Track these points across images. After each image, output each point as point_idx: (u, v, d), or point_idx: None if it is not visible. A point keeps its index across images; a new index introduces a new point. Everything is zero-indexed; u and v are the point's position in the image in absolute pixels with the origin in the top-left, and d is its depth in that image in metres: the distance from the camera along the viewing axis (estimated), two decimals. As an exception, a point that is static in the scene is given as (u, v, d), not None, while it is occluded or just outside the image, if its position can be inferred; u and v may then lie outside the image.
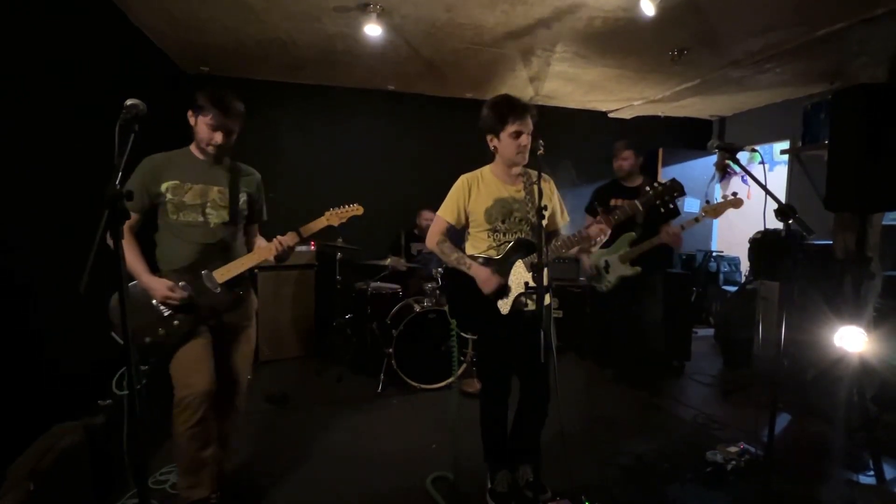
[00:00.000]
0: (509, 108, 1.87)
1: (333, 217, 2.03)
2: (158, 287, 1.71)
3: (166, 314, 1.75)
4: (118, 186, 1.09)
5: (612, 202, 3.14)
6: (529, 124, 1.89)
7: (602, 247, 3.10)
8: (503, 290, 1.93)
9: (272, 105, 4.30)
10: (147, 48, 3.33)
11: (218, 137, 1.80)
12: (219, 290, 1.83)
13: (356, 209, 2.08)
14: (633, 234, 3.05)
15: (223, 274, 1.83)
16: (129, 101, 1.21)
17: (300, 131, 4.42)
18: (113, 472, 2.03)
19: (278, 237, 1.90)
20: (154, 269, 1.76)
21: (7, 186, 1.89)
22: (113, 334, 1.75)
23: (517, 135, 1.87)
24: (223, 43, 3.36)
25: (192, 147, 1.85)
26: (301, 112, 4.41)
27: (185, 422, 1.74)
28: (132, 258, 1.71)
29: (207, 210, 1.82)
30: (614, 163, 3.29)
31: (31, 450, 1.70)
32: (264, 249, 1.91)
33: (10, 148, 1.90)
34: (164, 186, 1.76)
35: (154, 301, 1.73)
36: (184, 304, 1.74)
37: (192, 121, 1.80)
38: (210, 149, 1.81)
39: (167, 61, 3.67)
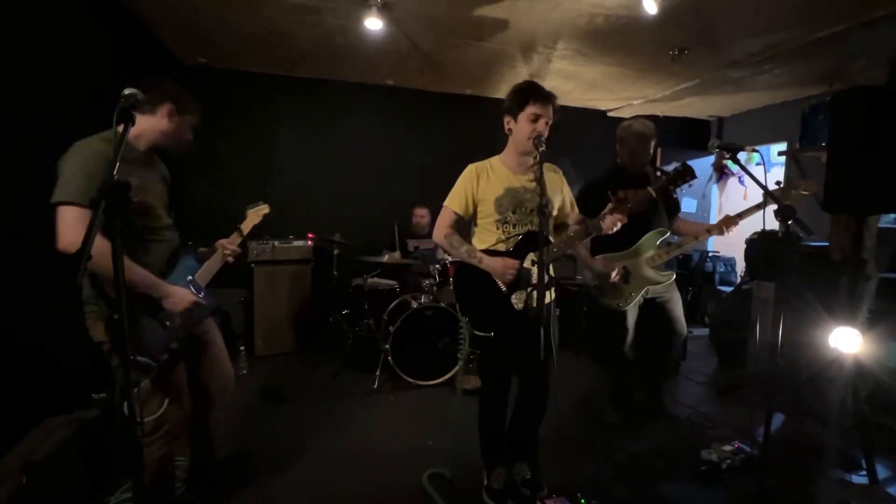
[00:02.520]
0: (532, 91, 1.84)
1: (254, 216, 2.01)
2: (183, 297, 1.59)
3: (174, 324, 1.60)
4: (115, 177, 1.07)
5: (622, 194, 2.39)
6: (550, 112, 1.85)
7: (612, 250, 2.54)
8: (519, 282, 1.88)
9: (270, 98, 4.27)
10: (144, 38, 3.29)
11: (191, 136, 1.74)
12: (203, 294, 1.73)
13: (264, 208, 2.07)
14: (665, 229, 2.50)
15: (204, 277, 1.74)
16: (126, 91, 1.19)
17: (298, 125, 4.39)
18: (107, 466, 2.01)
19: (224, 242, 1.87)
20: (97, 289, 1.52)
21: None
22: (138, 358, 1.52)
23: (535, 118, 1.83)
24: (221, 34, 3.33)
25: (133, 138, 1.60)
26: (299, 105, 4.37)
27: (160, 448, 1.66)
28: (135, 267, 1.50)
29: (160, 211, 1.68)
30: (624, 154, 2.62)
31: (24, 443, 1.68)
32: (222, 253, 1.87)
33: (3, 142, 1.88)
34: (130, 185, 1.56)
35: (162, 314, 1.59)
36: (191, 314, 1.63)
37: (169, 119, 1.63)
38: (182, 149, 1.71)
39: (164, 52, 3.63)
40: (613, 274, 2.47)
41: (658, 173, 1.79)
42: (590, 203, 2.36)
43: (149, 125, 1.62)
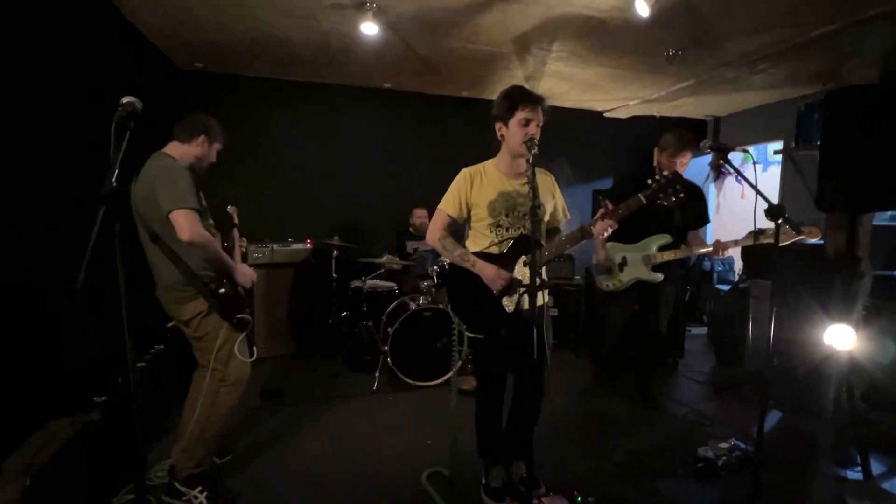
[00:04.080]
0: (521, 96, 1.86)
1: (234, 214, 2.41)
2: (249, 272, 2.11)
3: (245, 293, 2.11)
4: (114, 184, 1.09)
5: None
6: (540, 115, 1.87)
7: (622, 241, 2.86)
8: (511, 287, 1.91)
9: (267, 102, 4.29)
10: (141, 44, 3.31)
11: (215, 160, 2.17)
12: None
13: (235, 209, 2.42)
14: (669, 236, 2.77)
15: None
16: (125, 99, 1.21)
17: (295, 129, 4.41)
18: (109, 468, 2.03)
19: (238, 236, 2.31)
20: (189, 275, 1.94)
21: (1, 185, 1.89)
22: (243, 316, 2.07)
23: (526, 122, 1.84)
24: (218, 39, 3.35)
25: (180, 158, 2.00)
26: (296, 109, 4.40)
27: (234, 398, 2.08)
28: (222, 251, 1.98)
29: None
30: (665, 161, 2.74)
31: (27, 445, 1.70)
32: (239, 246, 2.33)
33: (3, 146, 1.90)
34: (200, 195, 1.98)
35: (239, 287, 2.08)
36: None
37: (202, 147, 2.05)
38: (203, 170, 2.10)
39: (161, 57, 3.65)
40: (594, 258, 2.92)
41: (649, 180, 1.83)
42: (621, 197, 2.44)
43: (186, 151, 2.02)
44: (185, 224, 1.79)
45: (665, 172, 1.84)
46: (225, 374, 2.04)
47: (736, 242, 2.60)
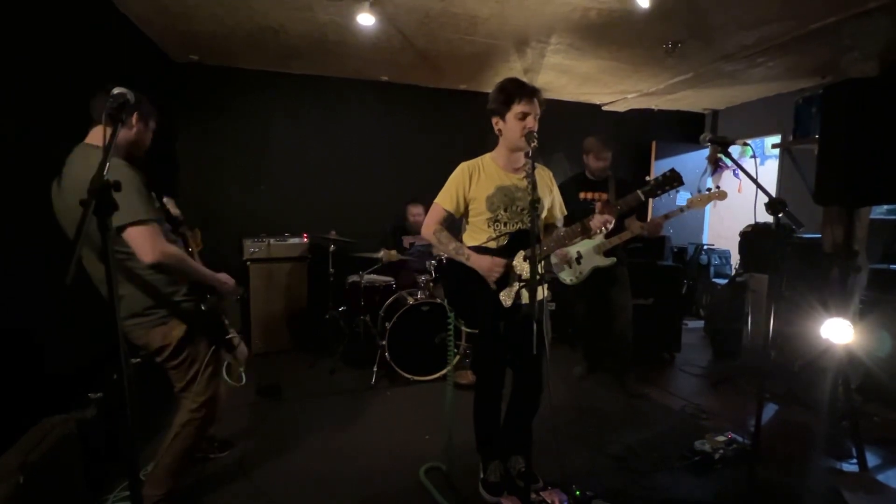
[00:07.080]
0: (517, 89, 1.84)
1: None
2: (228, 279, 1.78)
3: (226, 302, 1.86)
4: (105, 177, 1.07)
5: (582, 196, 3.07)
6: (537, 108, 1.85)
7: None
8: (507, 279, 1.90)
9: (263, 95, 4.24)
10: (134, 36, 3.26)
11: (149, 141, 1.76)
12: None
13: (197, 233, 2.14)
14: None
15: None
16: (115, 90, 1.18)
17: (291, 122, 4.37)
18: (104, 466, 2.02)
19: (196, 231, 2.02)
20: (156, 296, 1.64)
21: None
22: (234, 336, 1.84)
23: (523, 116, 1.83)
24: (213, 31, 3.30)
25: (120, 153, 1.60)
26: (292, 102, 4.35)
27: (207, 427, 1.87)
28: (196, 262, 1.70)
29: None
30: (591, 161, 3.08)
31: (21, 443, 1.69)
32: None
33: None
34: (153, 195, 1.64)
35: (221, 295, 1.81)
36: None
37: (139, 127, 1.65)
38: (143, 155, 1.71)
39: (155, 49, 3.60)
40: (563, 253, 3.01)
41: (648, 178, 1.92)
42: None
43: (122, 136, 1.60)
44: (144, 243, 1.46)
45: (665, 171, 1.87)
46: (201, 403, 1.79)
47: (666, 216, 2.87)
